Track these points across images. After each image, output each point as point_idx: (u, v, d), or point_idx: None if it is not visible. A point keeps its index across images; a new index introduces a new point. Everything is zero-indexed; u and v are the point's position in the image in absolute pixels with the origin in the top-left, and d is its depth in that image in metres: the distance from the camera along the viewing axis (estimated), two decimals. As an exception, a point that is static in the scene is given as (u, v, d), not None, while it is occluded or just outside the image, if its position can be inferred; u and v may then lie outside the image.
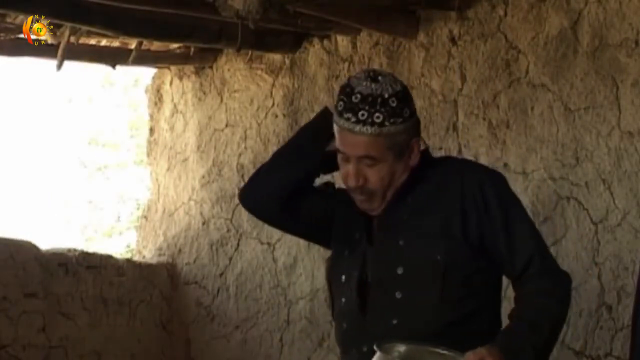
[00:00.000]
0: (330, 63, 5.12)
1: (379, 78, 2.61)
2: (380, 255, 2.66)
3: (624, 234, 3.97)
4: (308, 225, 2.86)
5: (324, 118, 2.77)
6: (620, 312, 3.96)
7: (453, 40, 4.62)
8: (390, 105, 2.59)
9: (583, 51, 4.17)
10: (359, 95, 2.59)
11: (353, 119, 2.59)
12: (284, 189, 2.79)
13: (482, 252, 2.63)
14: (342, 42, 5.07)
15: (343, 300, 2.72)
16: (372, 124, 2.58)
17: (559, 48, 4.25)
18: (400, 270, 2.62)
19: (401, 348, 2.50)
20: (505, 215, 2.63)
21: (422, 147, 2.75)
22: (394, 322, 2.60)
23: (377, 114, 2.58)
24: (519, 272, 2.62)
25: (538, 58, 4.31)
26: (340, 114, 2.62)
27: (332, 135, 2.68)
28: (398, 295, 2.61)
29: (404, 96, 2.64)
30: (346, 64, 5.04)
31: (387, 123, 2.59)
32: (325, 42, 5.16)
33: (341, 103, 2.62)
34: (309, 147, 2.81)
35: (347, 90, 2.62)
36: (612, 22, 4.06)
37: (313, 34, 5.16)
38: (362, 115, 2.58)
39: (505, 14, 4.44)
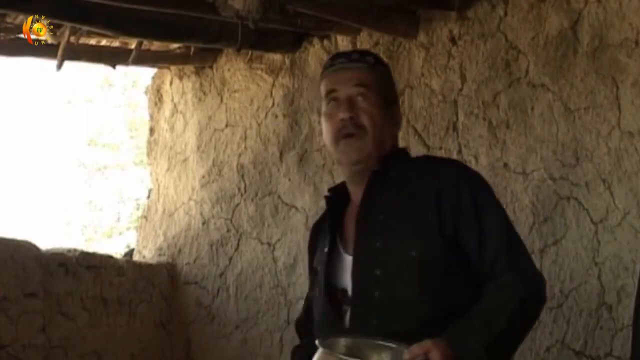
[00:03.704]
0: (330, 63, 5.12)
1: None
2: (358, 259, 2.65)
3: (624, 234, 3.97)
4: None
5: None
6: (620, 312, 3.96)
7: (453, 40, 4.62)
8: (378, 56, 2.82)
9: (583, 51, 4.17)
10: (346, 51, 2.84)
11: (346, 61, 2.73)
12: None
13: (457, 248, 2.60)
14: (342, 42, 5.07)
15: (318, 313, 2.72)
16: (365, 62, 2.73)
17: (559, 48, 4.25)
18: (378, 271, 2.60)
19: (344, 343, 2.46)
20: (478, 212, 2.61)
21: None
22: (374, 322, 2.58)
23: (368, 57, 2.76)
24: (487, 268, 2.58)
25: (538, 58, 4.32)
26: (332, 64, 2.75)
27: None
28: (376, 295, 2.59)
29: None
30: (346, 64, 5.04)
31: (377, 66, 2.74)
32: (325, 42, 5.16)
33: (330, 61, 2.77)
34: None
35: (333, 55, 2.84)
36: (612, 22, 4.07)
37: (313, 34, 5.16)
38: (354, 57, 2.74)
39: (505, 14, 4.45)
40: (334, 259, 2.71)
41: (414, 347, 2.38)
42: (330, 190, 2.87)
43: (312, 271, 2.84)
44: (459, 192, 2.62)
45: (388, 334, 2.49)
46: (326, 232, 2.78)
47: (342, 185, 2.81)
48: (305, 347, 2.84)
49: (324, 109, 2.73)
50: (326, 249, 2.73)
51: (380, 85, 2.73)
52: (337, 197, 2.81)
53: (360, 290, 2.62)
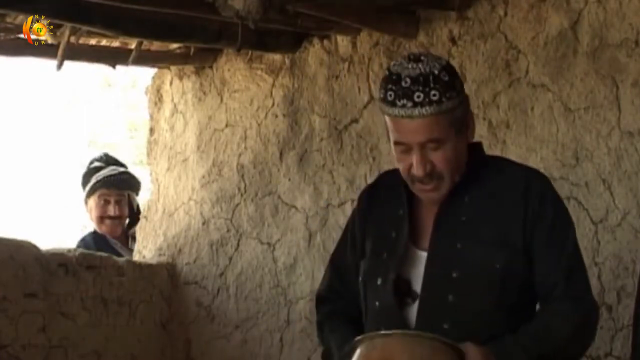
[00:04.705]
0: (330, 63, 5.12)
1: (422, 58, 2.54)
2: (434, 257, 2.57)
3: (624, 234, 3.98)
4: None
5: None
6: (620, 312, 3.96)
7: (453, 40, 4.62)
8: (443, 80, 2.52)
9: (583, 51, 4.17)
10: (408, 79, 2.50)
11: (409, 104, 2.50)
12: None
13: (530, 262, 2.57)
14: (342, 42, 5.07)
15: (377, 303, 2.63)
16: (431, 103, 2.49)
17: (559, 48, 4.25)
18: (455, 274, 2.53)
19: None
20: (554, 231, 2.59)
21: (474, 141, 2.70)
22: (445, 326, 2.51)
23: (433, 92, 2.50)
24: (547, 288, 2.57)
25: (538, 58, 4.32)
26: (393, 103, 2.52)
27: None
28: (451, 298, 2.52)
29: (452, 69, 2.58)
30: (346, 64, 5.04)
31: (444, 99, 2.51)
32: (325, 42, 5.16)
33: (391, 93, 2.52)
34: None
35: (393, 78, 2.52)
36: (612, 22, 4.07)
37: (313, 34, 5.16)
38: (418, 97, 2.49)
39: (505, 14, 4.45)
40: (403, 249, 2.61)
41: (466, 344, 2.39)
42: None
43: (363, 252, 2.70)
44: (543, 206, 2.58)
45: (460, 340, 2.44)
46: (385, 212, 2.68)
47: None
48: (336, 314, 2.75)
49: (392, 144, 2.58)
50: (394, 234, 2.63)
51: (453, 120, 2.54)
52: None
53: (433, 290, 2.55)
